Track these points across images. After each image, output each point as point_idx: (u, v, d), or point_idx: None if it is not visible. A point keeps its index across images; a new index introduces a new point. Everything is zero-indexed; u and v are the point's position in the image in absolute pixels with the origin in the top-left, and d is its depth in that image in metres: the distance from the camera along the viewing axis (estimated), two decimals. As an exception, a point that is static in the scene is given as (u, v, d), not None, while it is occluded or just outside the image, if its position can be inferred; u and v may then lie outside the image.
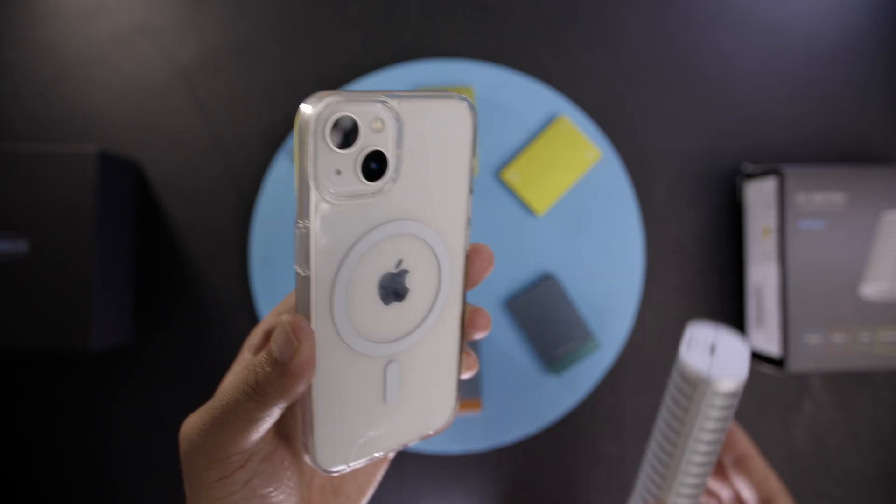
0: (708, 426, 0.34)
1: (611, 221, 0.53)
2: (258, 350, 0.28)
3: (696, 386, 0.35)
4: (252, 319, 0.53)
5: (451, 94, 0.25)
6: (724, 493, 0.41)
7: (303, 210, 0.22)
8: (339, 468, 0.25)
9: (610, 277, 0.53)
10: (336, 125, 0.22)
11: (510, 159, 0.53)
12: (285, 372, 0.22)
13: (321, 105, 0.22)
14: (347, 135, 0.23)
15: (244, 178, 0.54)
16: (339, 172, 0.23)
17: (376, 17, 0.54)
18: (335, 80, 0.54)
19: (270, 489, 0.25)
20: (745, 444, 0.36)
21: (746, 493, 0.36)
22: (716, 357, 0.35)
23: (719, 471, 0.39)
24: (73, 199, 0.47)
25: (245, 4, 0.54)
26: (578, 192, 0.53)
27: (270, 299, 0.52)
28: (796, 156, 0.55)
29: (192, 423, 0.24)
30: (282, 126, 0.54)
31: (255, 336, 0.28)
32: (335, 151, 0.22)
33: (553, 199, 0.52)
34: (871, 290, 0.49)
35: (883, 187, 0.49)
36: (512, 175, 0.52)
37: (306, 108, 0.22)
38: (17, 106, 0.54)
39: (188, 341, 0.54)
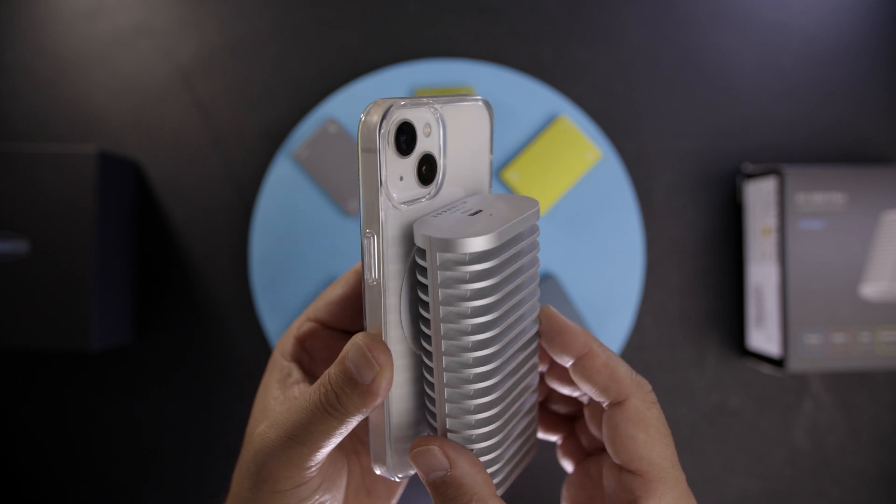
0: (455, 308, 0.23)
1: (611, 221, 0.53)
2: (294, 356, 0.28)
3: (426, 252, 0.23)
4: (252, 319, 0.53)
5: (468, 96, 0.26)
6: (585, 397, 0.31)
7: (370, 218, 0.22)
8: (406, 473, 0.25)
9: (610, 277, 0.53)
10: (398, 132, 0.23)
11: (510, 159, 0.53)
12: (366, 392, 0.23)
13: (386, 113, 0.22)
14: (408, 140, 0.23)
15: (244, 178, 0.54)
16: (401, 178, 0.23)
17: (376, 16, 0.54)
18: (335, 79, 0.54)
19: (334, 490, 0.26)
20: (580, 340, 0.26)
21: (597, 398, 0.26)
22: (469, 220, 0.24)
23: (564, 377, 0.28)
24: (73, 199, 0.47)
25: (245, 4, 0.54)
26: (578, 192, 0.53)
27: (270, 299, 0.52)
28: (796, 156, 0.55)
29: (269, 437, 0.24)
30: (282, 126, 0.54)
31: (288, 342, 0.29)
32: (399, 158, 0.23)
33: (553, 199, 0.52)
34: (871, 290, 0.49)
35: (883, 187, 0.49)
36: (512, 175, 0.52)
37: (371, 117, 0.22)
38: (17, 106, 0.54)
39: (188, 341, 0.54)
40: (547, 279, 0.52)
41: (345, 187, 0.52)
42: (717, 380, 0.54)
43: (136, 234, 0.54)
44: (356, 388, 0.23)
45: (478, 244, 0.22)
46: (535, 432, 0.29)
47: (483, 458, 0.25)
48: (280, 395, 0.27)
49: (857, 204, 0.49)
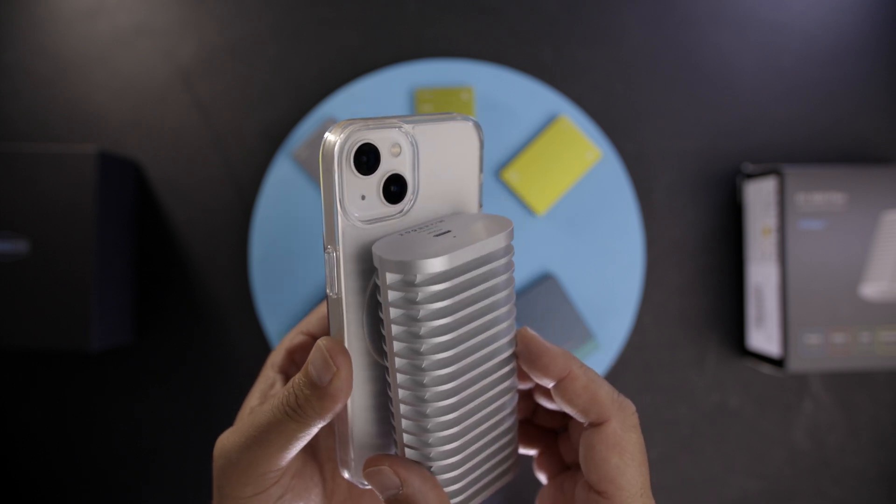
0: (406, 329, 0.23)
1: (611, 221, 0.53)
2: (283, 368, 0.29)
3: (378, 271, 0.23)
4: (252, 319, 0.53)
5: (456, 116, 0.26)
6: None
7: (330, 235, 0.23)
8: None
9: (610, 277, 0.53)
10: (359, 152, 0.23)
11: (510, 159, 0.53)
12: (324, 394, 0.23)
13: (344, 134, 0.23)
14: (370, 161, 0.24)
15: (244, 178, 0.54)
16: (363, 197, 0.24)
17: (376, 16, 0.54)
18: (335, 79, 0.54)
19: (300, 503, 0.26)
20: (559, 363, 0.25)
21: (578, 419, 0.26)
22: (430, 240, 0.24)
23: (550, 393, 0.27)
24: (73, 199, 0.47)
25: (245, 4, 0.54)
26: (578, 192, 0.53)
27: (270, 299, 0.52)
28: (796, 156, 0.55)
29: (230, 441, 0.25)
30: (282, 126, 0.54)
31: (278, 355, 0.29)
32: (359, 177, 0.23)
33: (553, 199, 0.52)
34: (871, 290, 0.49)
35: (883, 187, 0.49)
36: (512, 175, 0.52)
37: (331, 137, 0.23)
38: (17, 106, 0.54)
39: (188, 341, 0.54)
40: (547, 279, 0.52)
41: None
42: (717, 380, 0.54)
43: (136, 234, 0.54)
44: (315, 391, 0.23)
45: (429, 266, 0.22)
46: (513, 452, 0.28)
47: (442, 477, 0.25)
48: (258, 404, 0.27)
49: (857, 204, 0.49)
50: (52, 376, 0.54)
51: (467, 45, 0.54)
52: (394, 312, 0.23)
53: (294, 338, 0.29)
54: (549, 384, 0.26)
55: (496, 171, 0.53)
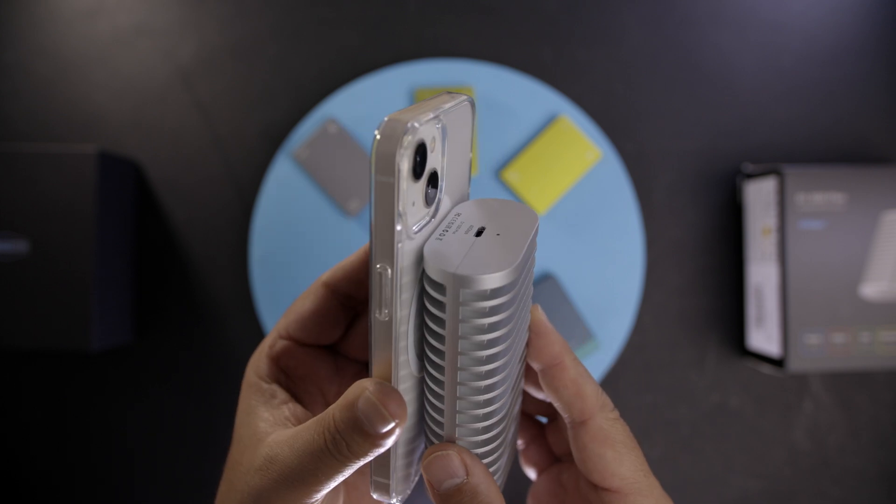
0: (472, 340, 0.22)
1: (611, 221, 0.53)
2: (273, 377, 0.27)
3: (445, 287, 0.22)
4: (252, 319, 0.53)
5: (456, 95, 0.24)
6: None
7: (385, 252, 0.20)
8: (404, 494, 0.25)
9: (610, 277, 0.53)
10: (414, 154, 0.20)
11: (510, 159, 0.53)
12: (377, 439, 0.22)
13: (405, 134, 0.19)
14: (422, 162, 0.21)
15: (244, 178, 0.54)
16: (414, 203, 0.21)
17: (376, 17, 0.54)
18: (335, 79, 0.54)
19: None
20: (554, 349, 0.25)
21: (561, 412, 0.26)
22: (479, 243, 0.23)
23: (536, 385, 0.28)
24: (73, 199, 0.47)
25: (245, 4, 0.54)
26: (578, 192, 0.53)
27: (270, 299, 0.52)
28: (796, 156, 0.55)
29: (271, 474, 0.23)
30: (282, 126, 0.54)
31: (261, 362, 0.28)
32: (413, 183, 0.21)
33: (553, 199, 0.52)
34: (871, 290, 0.49)
35: (883, 187, 0.49)
36: (512, 175, 0.52)
37: (389, 140, 0.19)
38: (17, 106, 0.54)
39: (188, 341, 0.54)
40: (547, 279, 0.52)
41: (345, 187, 0.52)
42: (717, 380, 0.54)
43: (136, 234, 0.54)
44: (367, 438, 0.22)
45: (500, 279, 0.21)
46: (517, 433, 0.28)
47: (490, 468, 0.24)
48: (270, 418, 0.26)
49: (857, 204, 0.49)
50: (52, 376, 0.54)
51: (467, 45, 0.54)
52: (463, 327, 0.21)
53: (275, 343, 0.28)
54: (538, 367, 0.25)
55: (496, 171, 0.53)
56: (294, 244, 0.52)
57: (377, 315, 0.21)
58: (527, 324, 0.25)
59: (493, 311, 0.21)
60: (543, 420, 0.31)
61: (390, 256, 0.20)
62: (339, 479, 0.23)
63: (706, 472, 0.54)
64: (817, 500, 0.54)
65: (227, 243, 0.54)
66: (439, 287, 0.21)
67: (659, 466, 0.54)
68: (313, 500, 0.24)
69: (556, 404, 0.25)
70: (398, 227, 0.20)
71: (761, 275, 0.51)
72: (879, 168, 0.50)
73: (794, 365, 0.48)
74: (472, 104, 0.25)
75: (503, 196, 0.53)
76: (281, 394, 0.27)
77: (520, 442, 0.30)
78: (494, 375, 0.23)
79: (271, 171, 0.52)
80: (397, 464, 0.24)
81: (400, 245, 0.20)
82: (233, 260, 0.54)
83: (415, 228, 0.21)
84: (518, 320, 0.23)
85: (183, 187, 0.54)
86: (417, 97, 0.52)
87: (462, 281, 0.20)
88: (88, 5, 0.54)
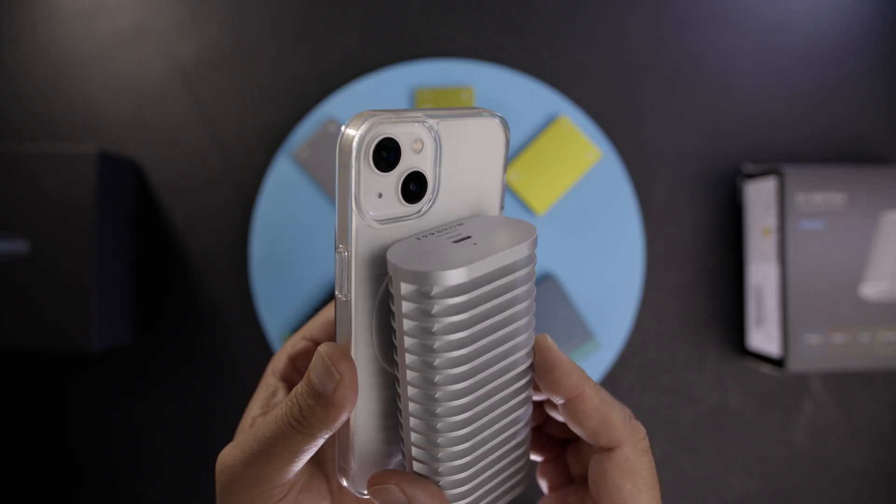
0: (421, 342, 0.22)
1: (611, 221, 0.53)
2: (285, 375, 0.28)
3: (393, 279, 0.22)
4: (252, 319, 0.53)
5: (483, 111, 0.24)
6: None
7: (343, 234, 0.22)
8: (358, 489, 0.25)
9: (610, 277, 0.53)
10: (379, 147, 0.22)
11: (510, 159, 0.53)
12: (329, 403, 0.22)
13: (364, 126, 0.21)
14: (390, 157, 0.22)
15: (244, 178, 0.54)
16: (380, 195, 0.22)
17: (376, 16, 0.54)
18: (335, 80, 0.54)
19: None
20: (572, 381, 0.24)
21: (587, 441, 0.25)
22: (450, 248, 0.22)
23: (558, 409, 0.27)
24: (73, 199, 0.47)
25: (245, 4, 0.54)
26: (578, 192, 0.53)
27: (270, 299, 0.52)
28: (796, 156, 0.55)
29: (232, 455, 0.24)
30: (282, 126, 0.54)
31: (280, 360, 0.28)
32: (377, 174, 0.22)
33: (553, 199, 0.52)
34: (871, 290, 0.49)
35: (883, 187, 0.49)
36: (512, 175, 0.52)
37: (349, 130, 0.21)
38: (17, 106, 0.54)
39: (188, 341, 0.54)
40: (547, 279, 0.52)
41: (345, 187, 0.52)
42: (717, 380, 0.54)
43: (136, 234, 0.54)
44: (319, 400, 0.22)
45: (446, 279, 0.21)
46: (524, 465, 0.27)
47: (450, 492, 0.24)
48: (259, 414, 0.27)
49: (857, 204, 0.49)
50: (52, 376, 0.54)
51: (467, 45, 0.54)
52: (407, 324, 0.22)
53: (296, 343, 0.28)
54: (559, 401, 0.24)
55: (496, 171, 0.53)
56: (294, 244, 0.52)
57: (338, 295, 0.23)
58: (523, 350, 0.25)
59: (441, 311, 0.21)
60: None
61: (346, 239, 0.22)
62: (298, 455, 0.23)
63: (706, 472, 0.54)
64: (817, 500, 0.54)
65: (227, 243, 0.54)
66: (391, 279, 0.22)
67: (659, 466, 0.54)
68: (276, 484, 0.23)
69: (582, 434, 0.25)
70: (353, 211, 0.21)
71: (761, 275, 0.51)
72: (879, 168, 0.50)
73: (794, 365, 0.48)
74: (503, 122, 0.25)
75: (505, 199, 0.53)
76: (281, 392, 0.27)
77: (539, 458, 0.29)
78: (453, 390, 0.22)
79: (271, 171, 0.52)
80: (360, 452, 0.24)
81: (355, 228, 0.21)
82: (233, 260, 0.54)
83: (382, 220, 0.22)
84: (490, 337, 0.23)
85: (183, 187, 0.54)
86: (417, 97, 0.52)
87: (406, 275, 0.21)
88: (88, 5, 0.54)
